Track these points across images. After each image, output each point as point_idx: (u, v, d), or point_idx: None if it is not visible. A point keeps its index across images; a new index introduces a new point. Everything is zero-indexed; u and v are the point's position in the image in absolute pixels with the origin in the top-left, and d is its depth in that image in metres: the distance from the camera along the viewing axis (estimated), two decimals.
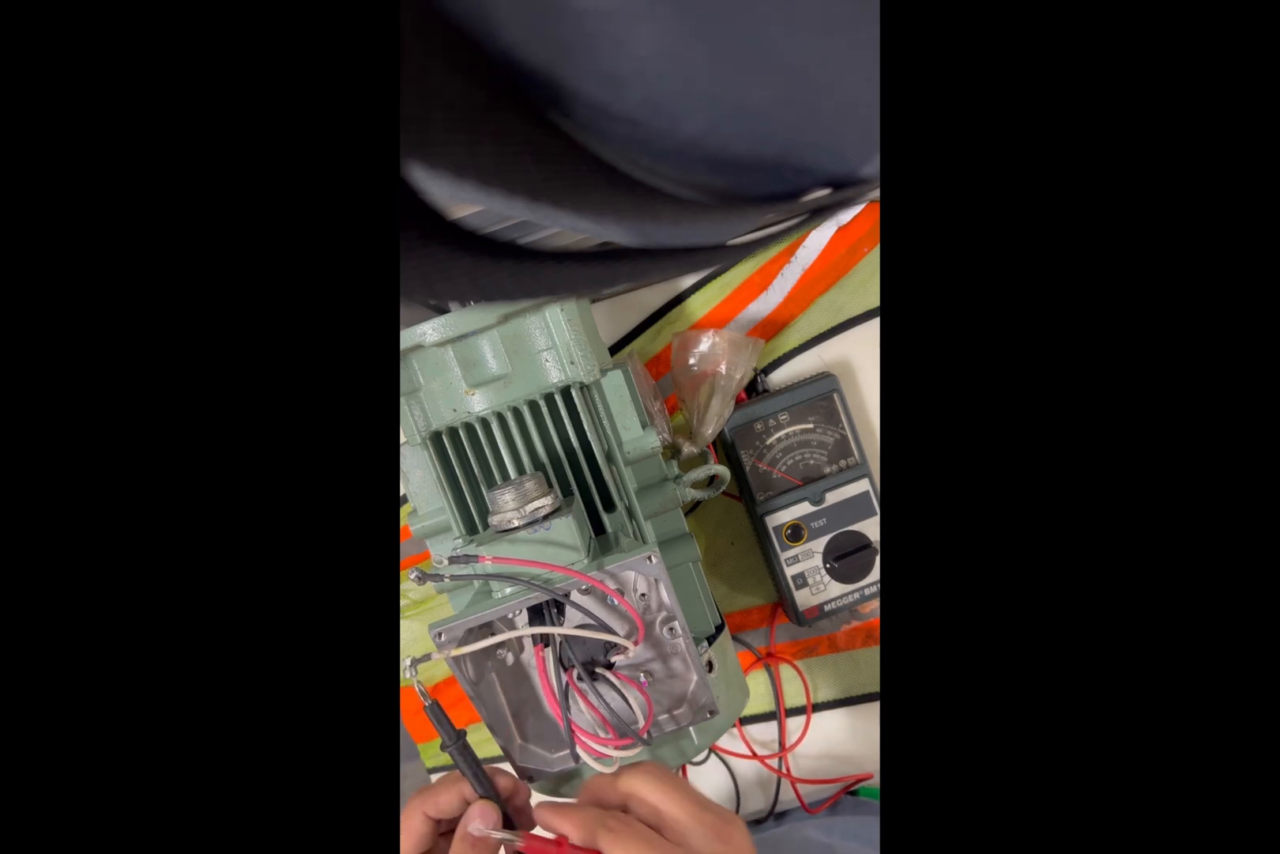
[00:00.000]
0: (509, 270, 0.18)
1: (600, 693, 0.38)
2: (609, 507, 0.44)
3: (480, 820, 0.34)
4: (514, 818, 0.35)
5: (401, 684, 0.59)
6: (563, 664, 0.38)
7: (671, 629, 0.40)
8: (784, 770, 0.60)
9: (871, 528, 0.55)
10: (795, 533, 0.54)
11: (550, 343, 0.44)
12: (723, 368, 0.53)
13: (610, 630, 0.38)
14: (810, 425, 0.54)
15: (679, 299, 0.57)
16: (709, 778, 0.61)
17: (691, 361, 0.54)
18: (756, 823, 0.61)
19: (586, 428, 0.44)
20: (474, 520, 0.45)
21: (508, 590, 0.37)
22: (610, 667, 0.39)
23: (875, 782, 0.61)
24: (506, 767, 0.38)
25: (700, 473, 0.50)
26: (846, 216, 0.55)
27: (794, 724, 0.61)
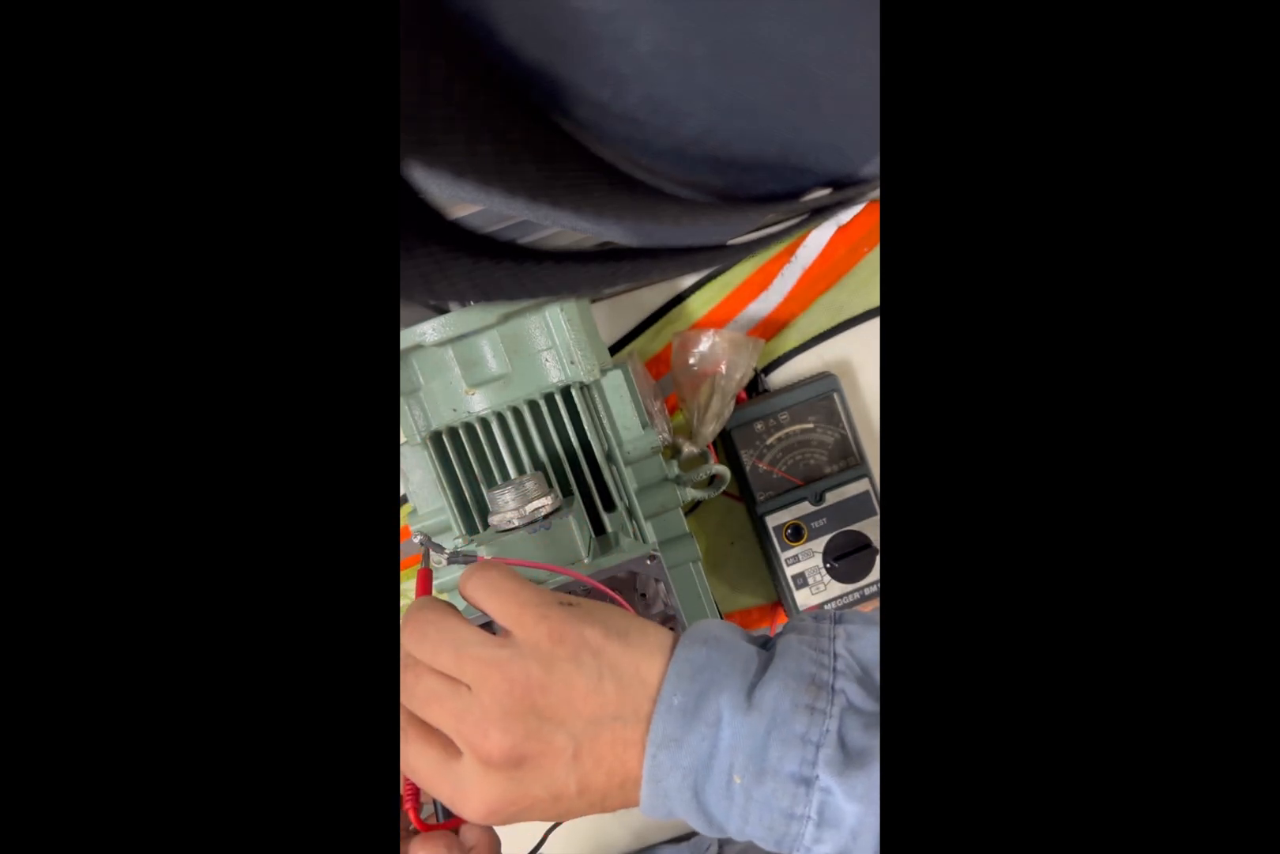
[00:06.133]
0: (509, 270, 0.18)
1: None
2: (609, 507, 0.44)
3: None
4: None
5: None
6: None
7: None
8: None
9: (872, 528, 0.55)
10: (795, 533, 0.54)
11: (550, 342, 0.44)
12: (723, 367, 0.53)
13: None
14: (810, 425, 0.54)
15: (679, 299, 0.57)
16: None
17: (691, 361, 0.54)
18: None
19: (586, 428, 0.44)
20: (474, 520, 0.45)
21: None
22: None
23: None
24: None
25: (700, 473, 0.50)
26: (847, 216, 0.55)
27: None
